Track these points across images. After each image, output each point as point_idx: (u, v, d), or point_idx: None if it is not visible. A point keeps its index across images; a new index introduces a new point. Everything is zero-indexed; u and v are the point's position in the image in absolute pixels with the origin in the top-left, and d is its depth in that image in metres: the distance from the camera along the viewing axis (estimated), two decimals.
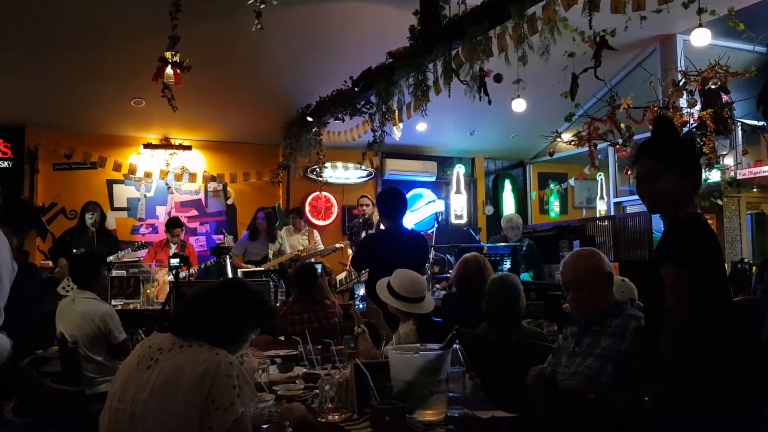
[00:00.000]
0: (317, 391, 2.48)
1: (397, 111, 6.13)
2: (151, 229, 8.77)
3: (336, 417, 2.29)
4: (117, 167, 8.52)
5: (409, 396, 2.23)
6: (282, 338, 4.32)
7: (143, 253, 7.27)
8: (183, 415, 1.82)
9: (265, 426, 2.21)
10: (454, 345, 2.39)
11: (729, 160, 6.83)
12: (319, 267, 5.58)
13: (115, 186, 8.67)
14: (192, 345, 1.94)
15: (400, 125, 6.47)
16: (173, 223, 7.49)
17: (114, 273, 6.08)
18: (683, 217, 2.16)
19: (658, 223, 6.51)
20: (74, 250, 6.18)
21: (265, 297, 2.30)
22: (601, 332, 2.54)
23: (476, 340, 3.26)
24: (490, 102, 5.15)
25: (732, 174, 6.73)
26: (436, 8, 5.31)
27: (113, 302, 5.62)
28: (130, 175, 8.64)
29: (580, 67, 5.22)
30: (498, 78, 5.18)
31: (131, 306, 5.96)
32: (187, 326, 2.02)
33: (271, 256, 7.41)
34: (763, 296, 2.40)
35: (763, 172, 6.92)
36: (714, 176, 6.13)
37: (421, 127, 8.24)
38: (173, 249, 7.23)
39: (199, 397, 1.83)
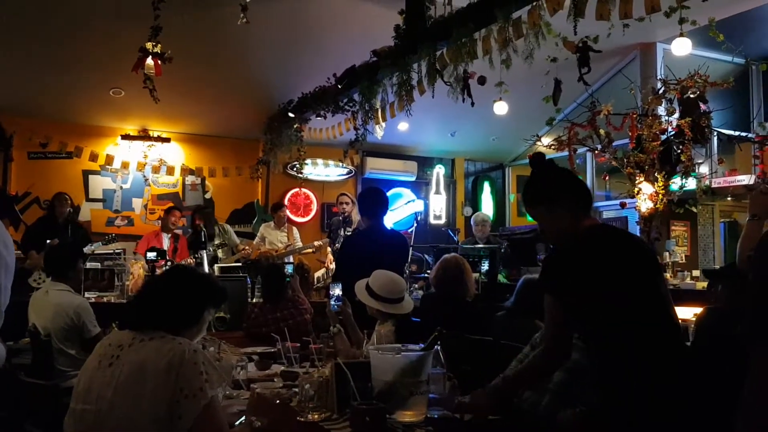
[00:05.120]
0: (296, 390, 2.47)
1: (380, 110, 6.12)
2: (126, 221, 8.66)
3: (316, 416, 2.28)
4: (93, 158, 8.37)
5: (389, 396, 2.23)
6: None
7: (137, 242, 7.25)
8: (151, 409, 1.83)
9: (237, 423, 2.20)
10: (435, 346, 2.40)
11: (705, 169, 6.93)
12: (290, 267, 5.57)
13: (90, 177, 8.54)
14: (153, 338, 1.95)
15: (383, 124, 6.46)
16: (170, 210, 7.51)
17: (88, 265, 6.00)
18: (555, 248, 2.32)
19: (633, 228, 6.59)
20: (48, 241, 6.08)
21: (213, 277, 2.38)
22: None
23: (457, 341, 3.27)
24: (473, 104, 5.17)
25: (707, 182, 6.84)
26: (421, 8, 5.31)
27: (86, 294, 5.55)
28: (107, 166, 8.50)
29: (563, 71, 5.25)
30: (482, 80, 5.19)
31: (105, 299, 5.89)
32: (144, 319, 2.02)
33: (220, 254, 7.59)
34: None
35: (737, 181, 7.04)
36: (690, 184, 6.22)
37: (403, 126, 8.25)
38: (166, 240, 7.16)
39: (167, 389, 1.84)
